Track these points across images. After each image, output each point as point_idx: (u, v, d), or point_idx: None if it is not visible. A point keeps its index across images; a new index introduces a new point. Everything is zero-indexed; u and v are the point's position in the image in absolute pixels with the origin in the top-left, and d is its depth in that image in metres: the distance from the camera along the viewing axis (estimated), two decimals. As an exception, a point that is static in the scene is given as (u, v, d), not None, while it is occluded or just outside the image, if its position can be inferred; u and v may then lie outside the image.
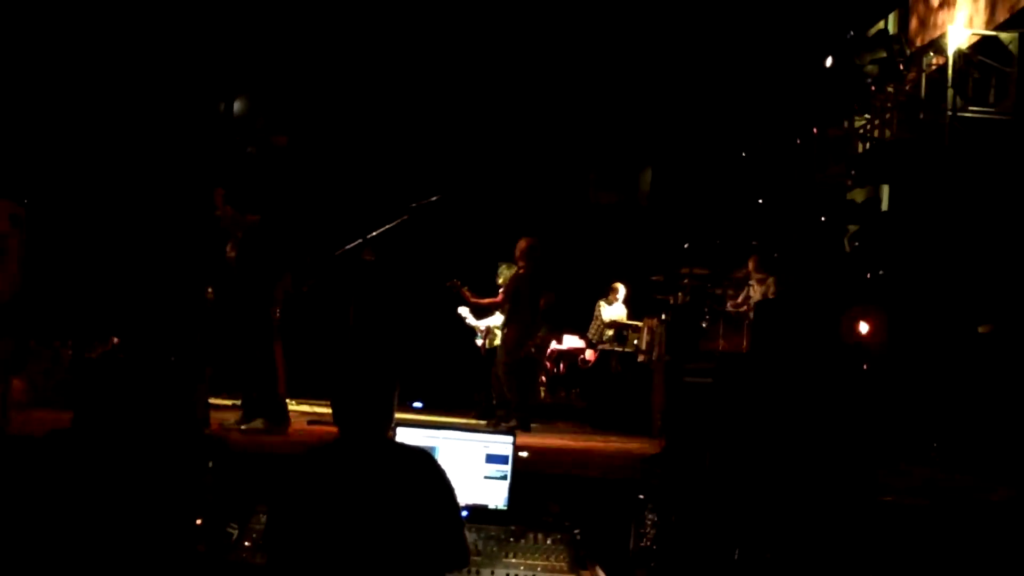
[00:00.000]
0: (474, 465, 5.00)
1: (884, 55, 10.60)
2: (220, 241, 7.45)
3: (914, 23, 11.65)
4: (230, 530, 4.73)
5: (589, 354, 12.52)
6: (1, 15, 10.78)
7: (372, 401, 3.74)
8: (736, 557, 3.30)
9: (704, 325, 10.34)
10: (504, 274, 10.29)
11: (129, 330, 10.29)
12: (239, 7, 12.86)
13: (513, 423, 9.21)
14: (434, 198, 8.02)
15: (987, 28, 9.98)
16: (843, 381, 4.20)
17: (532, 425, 9.64)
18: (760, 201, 12.70)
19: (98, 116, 12.15)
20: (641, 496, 4.55)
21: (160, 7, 12.31)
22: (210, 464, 4.91)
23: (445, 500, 3.73)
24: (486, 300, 10.10)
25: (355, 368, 3.80)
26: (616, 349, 11.90)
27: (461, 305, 10.91)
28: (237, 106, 13.60)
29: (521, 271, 9.71)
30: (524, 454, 5.46)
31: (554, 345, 12.58)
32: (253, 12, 12.91)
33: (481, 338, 11.29)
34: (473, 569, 4.42)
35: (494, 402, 10.12)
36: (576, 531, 4.79)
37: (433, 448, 4.72)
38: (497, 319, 10.78)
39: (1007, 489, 5.90)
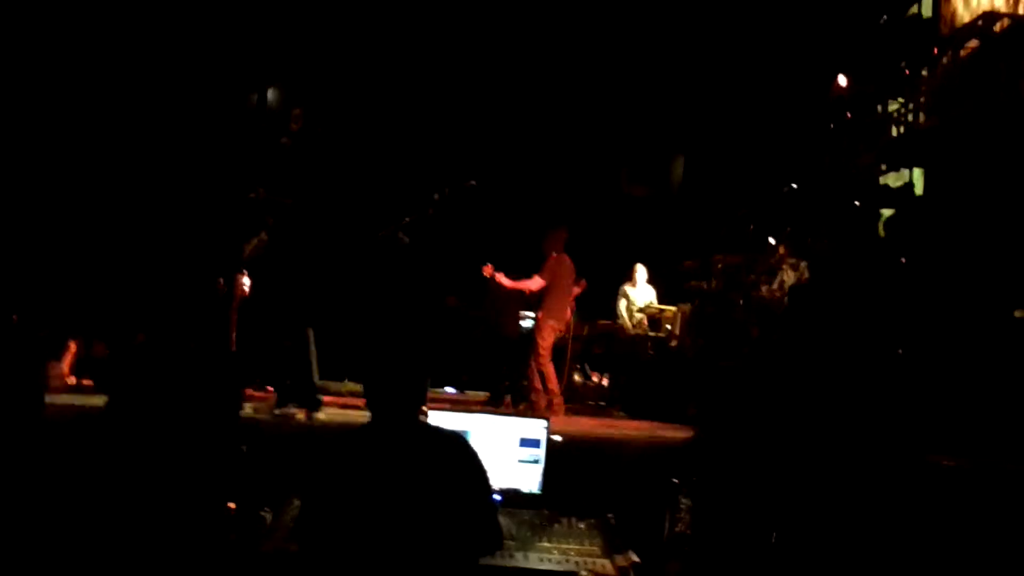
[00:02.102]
0: (507, 449, 5.01)
1: (918, 40, 10.52)
2: (254, 227, 7.48)
3: (948, 7, 11.53)
4: (263, 514, 4.75)
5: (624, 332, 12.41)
6: (35, 7, 10.84)
7: (404, 384, 3.74)
8: (773, 541, 3.28)
9: (737, 312, 10.30)
10: None
11: (159, 320, 10.36)
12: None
13: (544, 406, 9.22)
14: (470, 183, 8.03)
15: (1020, 11, 9.87)
16: (878, 365, 4.16)
17: (565, 410, 9.66)
18: (793, 186, 12.61)
19: (130, 110, 12.21)
20: (675, 481, 4.53)
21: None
22: (244, 449, 4.93)
23: (479, 483, 3.73)
24: (522, 282, 10.08)
25: (388, 351, 3.80)
26: (649, 335, 11.85)
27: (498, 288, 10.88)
28: (270, 96, 13.62)
29: (555, 258, 9.73)
30: (558, 438, 5.45)
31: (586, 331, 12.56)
32: (288, 1, 12.94)
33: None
34: (507, 553, 4.42)
35: (527, 387, 10.11)
36: (610, 516, 4.78)
37: (466, 432, 4.72)
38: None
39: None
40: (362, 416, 5.87)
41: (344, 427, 6.31)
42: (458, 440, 3.80)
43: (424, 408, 4.34)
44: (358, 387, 8.75)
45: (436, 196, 8.01)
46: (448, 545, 3.62)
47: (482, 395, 11.33)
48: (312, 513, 3.70)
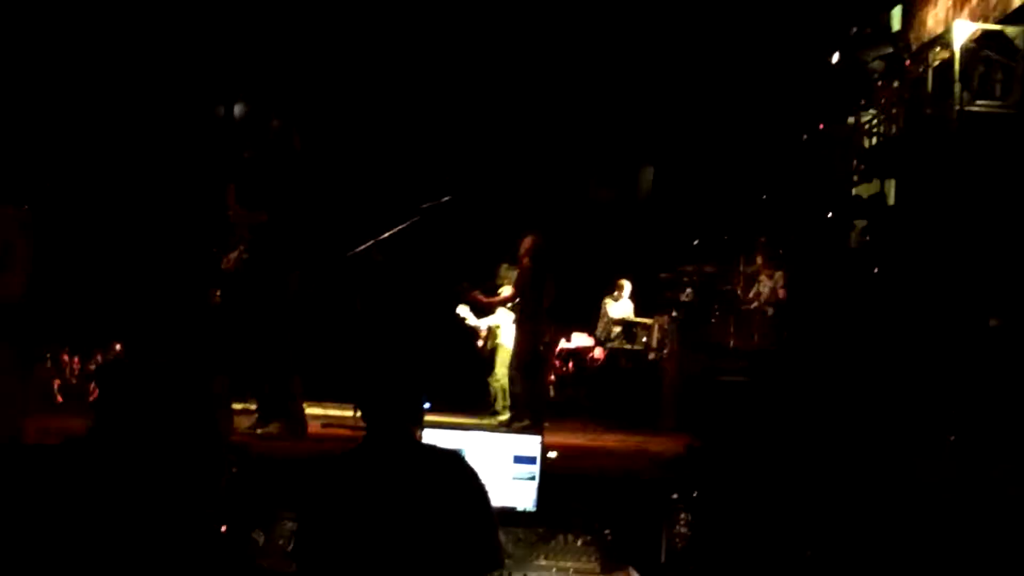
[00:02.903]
0: (501, 466, 4.97)
1: (889, 50, 10.59)
2: (229, 241, 7.42)
3: (918, 18, 11.63)
4: (255, 537, 4.70)
5: (598, 352, 12.47)
6: (3, 19, 10.72)
7: (401, 402, 3.71)
8: (803, 556, 3.27)
9: (714, 321, 10.35)
10: (506, 275, 10.21)
11: (137, 335, 10.26)
12: (244, 9, 12.80)
13: (526, 423, 9.17)
14: (446, 199, 7.99)
15: (993, 22, 9.96)
16: (874, 374, 4.18)
17: (544, 425, 9.61)
18: (764, 197, 12.67)
19: (100, 121, 12.10)
20: (674, 496, 4.52)
21: (164, 9, 12.26)
22: (233, 471, 4.88)
23: (478, 501, 3.70)
24: (497, 299, 10.05)
25: (384, 369, 3.77)
26: (625, 347, 11.87)
27: (461, 305, 10.86)
28: (238, 109, 13.56)
29: (526, 268, 9.66)
30: (553, 454, 5.43)
31: (563, 344, 12.54)
32: (257, 14, 12.86)
33: (481, 339, 11.23)
34: (504, 572, 4.38)
35: (507, 403, 10.08)
36: (607, 532, 4.76)
37: (459, 450, 4.69)
38: (498, 318, 10.73)
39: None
40: (347, 435, 5.81)
41: (333, 447, 6.27)
42: (455, 457, 3.77)
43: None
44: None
45: (416, 217, 7.96)
46: (448, 565, 3.59)
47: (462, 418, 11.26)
48: (308, 533, 3.66)
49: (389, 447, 3.66)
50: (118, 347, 10.47)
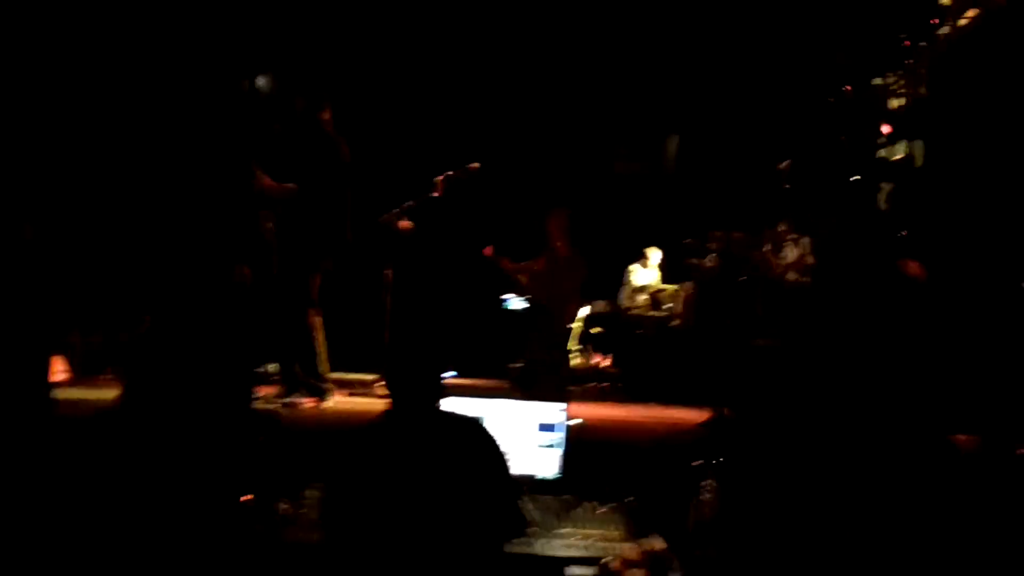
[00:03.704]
0: (526, 434, 4.96)
1: (915, 10, 10.46)
2: (259, 215, 7.41)
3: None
4: (282, 507, 4.72)
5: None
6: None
7: (424, 374, 3.72)
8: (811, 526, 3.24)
9: (739, 287, 10.25)
10: None
11: (167, 309, 10.28)
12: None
13: (550, 388, 9.16)
14: (473, 165, 7.95)
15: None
16: (909, 340, 4.13)
17: (569, 393, 9.60)
18: (790, 162, 12.57)
19: (120, 97, 12.10)
20: (701, 463, 4.49)
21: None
22: (261, 440, 4.90)
23: (499, 468, 3.72)
24: (524, 264, 10.02)
25: (408, 340, 3.78)
26: (650, 314, 11.81)
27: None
28: (263, 83, 13.53)
29: (556, 240, 9.63)
30: (577, 421, 5.41)
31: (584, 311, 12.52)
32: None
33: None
34: (529, 540, 4.38)
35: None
36: (631, 499, 4.75)
37: (479, 418, 4.68)
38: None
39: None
40: (372, 404, 5.83)
41: (358, 416, 6.28)
42: (476, 425, 3.79)
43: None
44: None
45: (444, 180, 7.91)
46: (472, 532, 3.61)
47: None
48: (335, 503, 3.68)
49: (411, 418, 3.68)
50: (147, 322, 10.48)
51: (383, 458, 3.63)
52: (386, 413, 3.78)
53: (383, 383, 7.45)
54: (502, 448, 3.75)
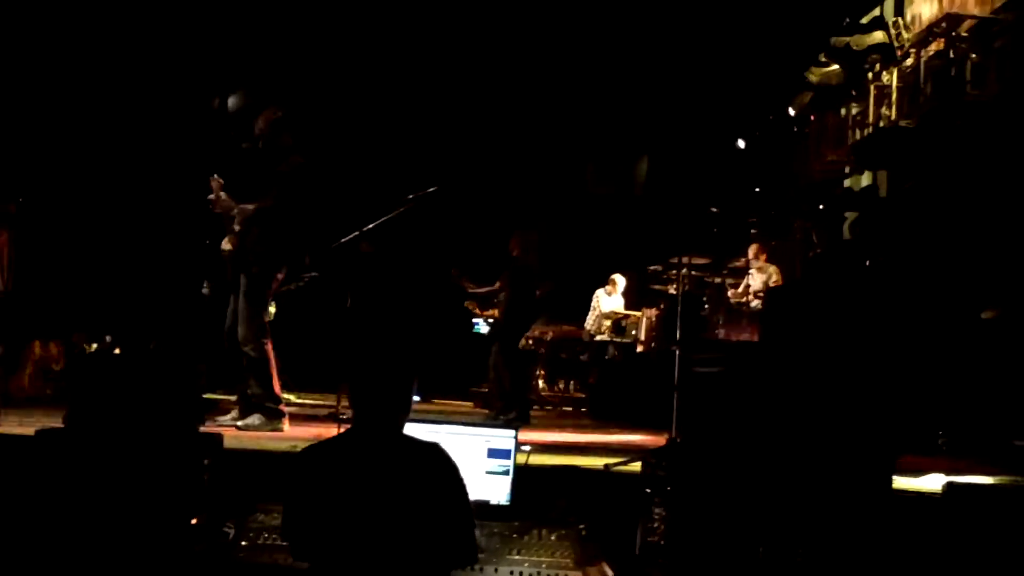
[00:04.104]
0: (476, 460, 4.91)
1: (881, 41, 10.54)
2: (216, 232, 7.35)
3: (911, 8, 11.57)
4: (227, 529, 4.65)
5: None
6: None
7: (391, 391, 3.70)
8: (760, 554, 3.21)
9: (703, 314, 10.28)
10: None
11: (123, 327, 10.21)
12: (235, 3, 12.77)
13: (513, 415, 9.12)
14: (432, 189, 7.91)
15: (984, 12, 9.91)
16: (858, 369, 4.11)
17: (532, 417, 9.56)
18: (757, 190, 12.63)
19: (89, 113, 12.04)
20: (648, 490, 4.46)
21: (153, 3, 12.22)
22: (206, 462, 4.83)
23: (456, 496, 3.69)
24: (484, 288, 9.99)
25: (375, 358, 3.75)
26: (615, 340, 11.81)
27: (467, 301, 10.81)
28: (232, 101, 13.49)
29: (517, 260, 9.60)
30: (527, 448, 5.37)
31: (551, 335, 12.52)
32: (249, 7, 12.81)
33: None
34: (477, 567, 4.33)
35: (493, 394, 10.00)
36: (581, 527, 4.70)
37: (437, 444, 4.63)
38: None
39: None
40: (326, 429, 5.77)
41: (310, 439, 6.22)
42: (437, 451, 3.75)
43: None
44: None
45: (402, 207, 7.87)
46: (423, 556, 3.57)
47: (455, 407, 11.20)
48: (295, 518, 3.66)
49: (374, 438, 3.65)
50: (108, 339, 10.42)
51: (341, 475, 3.60)
52: (349, 431, 3.76)
53: (341, 405, 7.43)
54: (460, 476, 3.72)
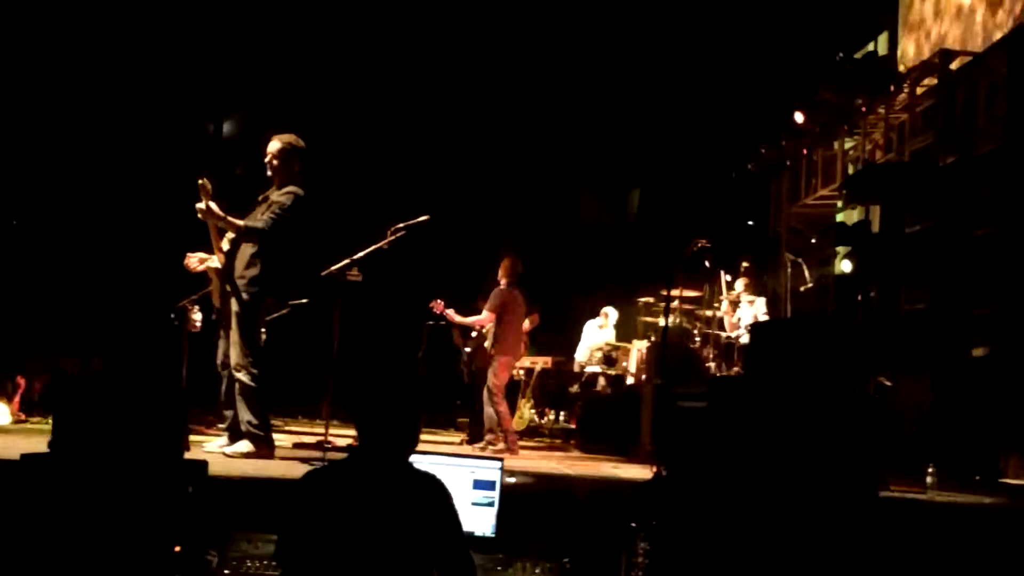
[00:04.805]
0: (461, 491, 4.87)
1: (874, 77, 10.59)
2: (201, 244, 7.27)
3: (904, 45, 11.64)
4: (209, 557, 4.62)
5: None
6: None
7: (403, 422, 3.69)
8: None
9: (694, 347, 10.28)
10: None
11: (110, 351, 10.17)
12: (222, 34, 12.79)
13: (501, 447, 9.08)
14: (423, 218, 7.88)
15: (977, 48, 9.97)
16: (842, 404, 4.10)
17: (520, 448, 9.52)
18: (750, 223, 12.66)
19: (77, 135, 12.04)
20: (633, 524, 4.43)
21: (146, 24, 12.22)
22: (189, 490, 4.80)
23: (453, 527, 3.68)
24: (471, 319, 9.94)
25: (389, 388, 3.74)
26: (605, 372, 11.78)
27: (443, 322, 10.73)
28: (227, 127, 13.51)
29: (505, 290, 9.55)
30: (512, 480, 5.34)
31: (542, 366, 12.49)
32: (236, 38, 12.84)
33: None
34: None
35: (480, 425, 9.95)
36: (566, 560, 4.67)
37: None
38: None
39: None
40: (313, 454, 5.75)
41: (299, 466, 6.19)
42: (435, 482, 3.74)
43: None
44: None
45: (392, 237, 7.83)
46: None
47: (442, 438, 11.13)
48: (291, 542, 3.64)
49: (376, 465, 3.64)
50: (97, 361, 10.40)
51: (340, 502, 3.59)
52: (350, 457, 3.76)
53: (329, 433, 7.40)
54: (455, 508, 3.72)
